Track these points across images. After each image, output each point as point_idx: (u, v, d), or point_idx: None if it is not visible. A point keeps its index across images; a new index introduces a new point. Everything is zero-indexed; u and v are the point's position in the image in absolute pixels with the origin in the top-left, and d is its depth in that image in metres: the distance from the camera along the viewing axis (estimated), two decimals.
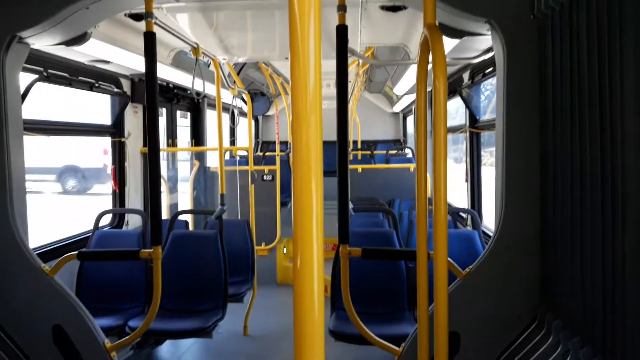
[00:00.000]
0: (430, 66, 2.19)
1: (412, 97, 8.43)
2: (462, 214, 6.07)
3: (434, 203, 2.11)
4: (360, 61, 6.26)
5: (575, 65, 2.17)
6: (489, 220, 5.48)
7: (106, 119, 5.60)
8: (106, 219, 5.41)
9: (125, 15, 3.96)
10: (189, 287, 4.59)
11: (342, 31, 2.93)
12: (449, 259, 2.30)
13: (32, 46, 3.19)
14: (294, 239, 0.93)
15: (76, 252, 3.30)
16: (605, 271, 1.95)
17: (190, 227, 6.31)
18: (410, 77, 5.73)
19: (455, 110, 6.32)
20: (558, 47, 2.34)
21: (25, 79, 3.92)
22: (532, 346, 2.50)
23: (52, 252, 4.39)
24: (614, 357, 1.91)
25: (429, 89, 2.50)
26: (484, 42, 3.44)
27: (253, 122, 11.55)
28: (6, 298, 3.05)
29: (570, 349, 2.17)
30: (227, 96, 6.94)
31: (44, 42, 3.20)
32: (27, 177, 3.21)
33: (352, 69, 6.73)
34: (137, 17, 4.01)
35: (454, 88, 5.71)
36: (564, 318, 2.33)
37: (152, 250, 3.20)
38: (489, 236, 2.80)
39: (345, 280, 3.09)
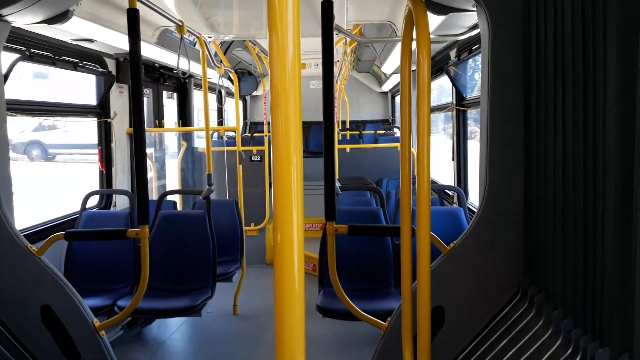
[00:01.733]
0: (415, 43, 2.19)
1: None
2: (448, 191, 6.12)
3: (417, 179, 2.13)
4: (348, 39, 6.22)
5: (559, 40, 2.18)
6: (476, 198, 5.54)
7: (91, 99, 5.54)
8: (93, 201, 5.39)
9: None
10: (177, 266, 4.60)
11: (327, 7, 2.90)
12: (432, 234, 2.33)
13: (13, 24, 3.13)
14: (275, 214, 0.94)
15: (63, 232, 3.30)
16: (587, 246, 1.99)
17: (179, 208, 6.31)
18: (398, 55, 5.70)
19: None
20: (543, 22, 2.35)
21: (7, 58, 3.86)
22: (515, 319, 2.55)
23: (39, 233, 4.38)
24: (594, 329, 1.95)
25: (414, 67, 2.50)
26: (470, 19, 3.44)
27: (241, 103, 11.49)
28: None
29: (552, 321, 2.22)
30: (213, 76, 6.88)
31: (25, 20, 3.14)
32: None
33: (339, 48, 6.70)
34: None
35: (441, 66, 5.71)
36: (547, 291, 2.37)
37: (139, 229, 3.21)
38: (475, 213, 2.83)
39: (332, 257, 3.11)
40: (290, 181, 0.91)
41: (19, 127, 16.22)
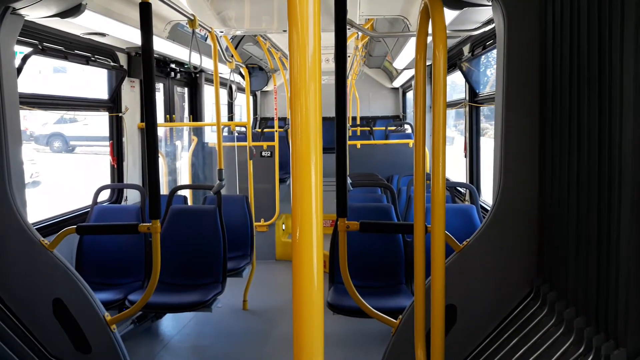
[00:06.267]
0: (430, 38, 2.16)
1: (412, 72, 8.37)
2: (460, 188, 6.07)
3: (432, 176, 2.11)
4: (359, 34, 6.18)
5: (575, 36, 2.14)
6: (488, 196, 5.49)
7: (103, 94, 5.56)
8: (104, 195, 5.41)
9: None
10: (188, 261, 4.61)
11: (340, 1, 2.87)
12: (446, 232, 2.31)
13: (26, 18, 3.14)
14: (293, 210, 0.92)
15: (75, 226, 3.30)
16: (601, 244, 1.97)
17: (189, 203, 6.32)
18: (410, 50, 5.67)
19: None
20: (559, 18, 2.31)
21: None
22: (528, 317, 2.52)
23: (51, 227, 4.40)
24: (607, 327, 1.93)
25: (428, 62, 2.48)
26: (484, 14, 3.39)
27: (251, 98, 11.49)
28: (6, 272, 3.06)
29: (565, 319, 2.20)
30: (224, 71, 6.87)
31: (38, 13, 3.14)
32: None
33: (350, 43, 6.66)
34: None
35: (454, 61, 5.66)
36: (560, 290, 2.35)
37: (151, 224, 3.21)
38: (487, 211, 2.79)
39: (344, 254, 3.10)
40: (309, 177, 0.89)
41: (42, 120, 16.49)
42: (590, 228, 2.04)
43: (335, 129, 2.98)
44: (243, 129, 9.37)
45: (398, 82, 11.38)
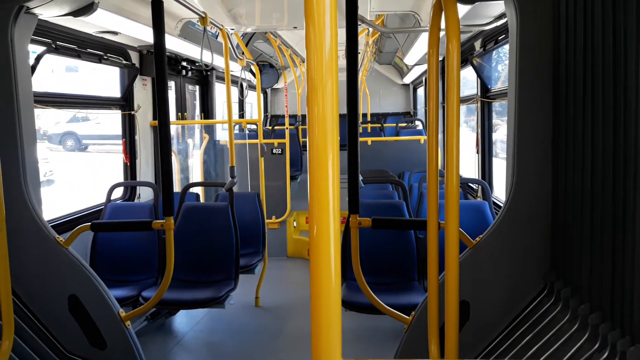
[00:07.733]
0: (442, 33, 2.15)
1: (423, 68, 8.33)
2: (472, 185, 6.04)
3: (445, 172, 2.10)
4: (370, 30, 6.16)
5: (589, 30, 2.12)
6: (500, 192, 5.46)
7: (115, 92, 5.60)
8: (117, 193, 5.45)
9: None
10: (201, 258, 4.64)
11: None
12: (459, 228, 2.30)
13: (39, 17, 3.17)
14: (310, 207, 0.92)
15: (90, 223, 3.34)
16: (615, 239, 1.95)
17: (201, 200, 6.35)
18: (421, 46, 5.64)
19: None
20: (572, 11, 2.29)
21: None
22: (542, 314, 2.50)
23: (65, 224, 4.44)
24: (623, 323, 1.91)
25: (440, 58, 2.47)
26: (496, 8, 3.37)
27: (262, 95, 11.51)
28: (22, 269, 3.10)
29: (580, 315, 2.18)
30: (235, 69, 6.89)
31: (51, 12, 3.17)
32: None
33: (361, 39, 6.64)
34: None
35: (465, 57, 5.62)
36: (574, 286, 2.33)
37: (164, 221, 3.22)
38: (500, 207, 2.78)
39: (356, 251, 3.09)
40: (327, 173, 0.89)
41: (55, 119, 16.65)
42: (604, 223, 2.02)
43: (347, 126, 2.97)
44: (254, 126, 9.39)
45: (409, 79, 11.34)
